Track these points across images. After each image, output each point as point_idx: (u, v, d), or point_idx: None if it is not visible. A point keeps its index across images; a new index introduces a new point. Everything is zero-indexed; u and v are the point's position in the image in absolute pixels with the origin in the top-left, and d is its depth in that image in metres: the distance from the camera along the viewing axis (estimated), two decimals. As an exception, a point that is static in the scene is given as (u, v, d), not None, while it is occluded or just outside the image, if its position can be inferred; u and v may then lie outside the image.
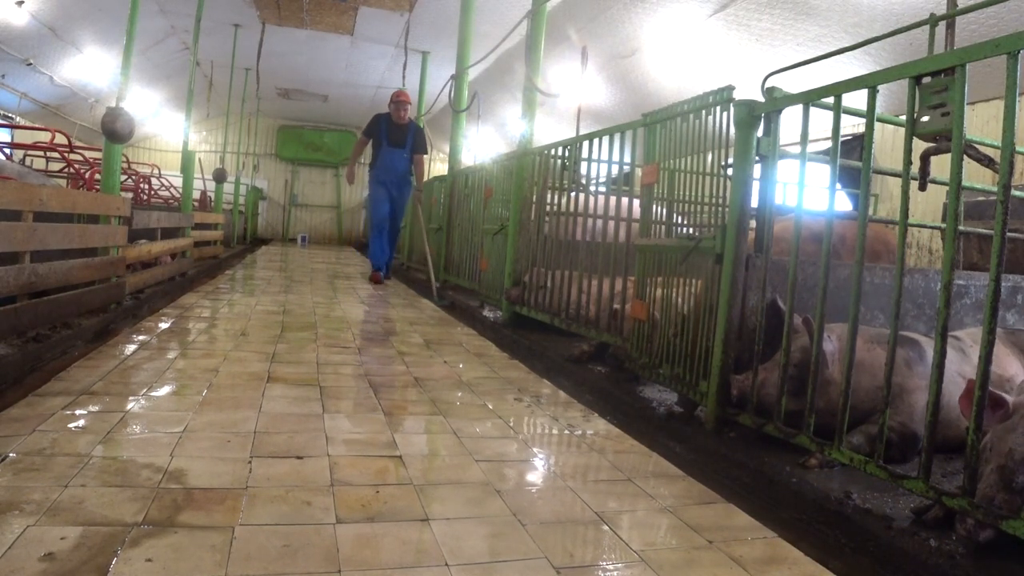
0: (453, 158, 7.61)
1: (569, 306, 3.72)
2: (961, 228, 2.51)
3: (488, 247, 5.22)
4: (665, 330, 2.66)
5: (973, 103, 4.99)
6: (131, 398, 2.32)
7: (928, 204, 5.18)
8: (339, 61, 12.43)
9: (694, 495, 1.84)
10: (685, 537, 1.56)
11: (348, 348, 3.55)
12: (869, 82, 1.84)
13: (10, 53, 8.77)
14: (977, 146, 1.97)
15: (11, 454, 1.72)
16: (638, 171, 3.17)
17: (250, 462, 1.81)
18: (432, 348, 3.73)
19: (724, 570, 1.41)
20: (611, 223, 3.58)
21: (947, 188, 1.63)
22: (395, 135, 7.38)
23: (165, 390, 2.47)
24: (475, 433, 2.24)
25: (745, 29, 6.55)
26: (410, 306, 5.69)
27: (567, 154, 4.06)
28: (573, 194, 4.03)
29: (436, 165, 18.00)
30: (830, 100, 2.01)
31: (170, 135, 16.32)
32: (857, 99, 1.91)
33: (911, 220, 2.35)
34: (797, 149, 2.12)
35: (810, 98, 2.07)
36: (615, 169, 3.53)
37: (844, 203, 5.50)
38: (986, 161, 1.92)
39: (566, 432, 2.36)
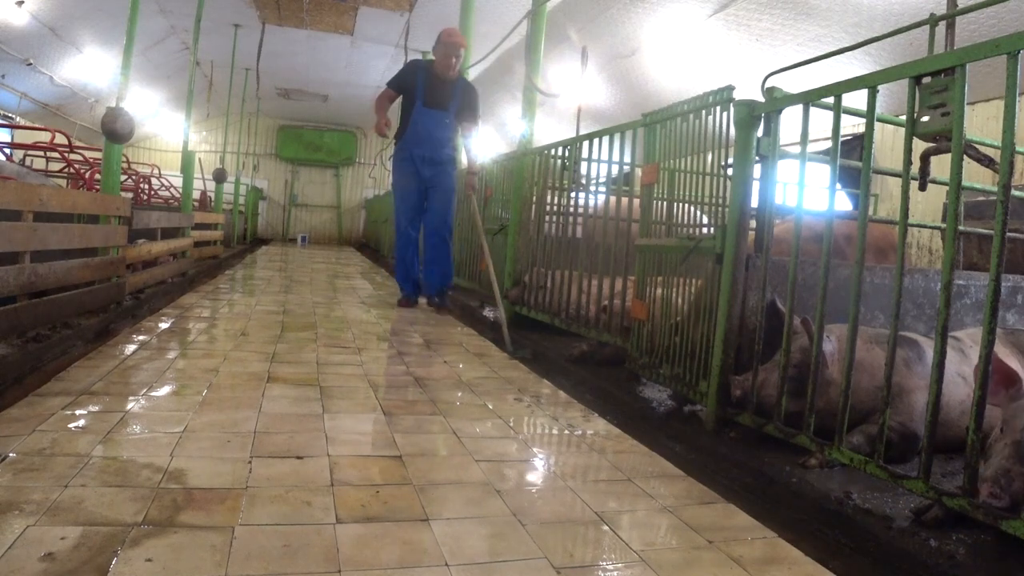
0: (453, 158, 7.60)
1: (569, 306, 3.73)
2: (961, 228, 2.51)
3: (488, 247, 5.22)
4: (664, 330, 2.66)
5: (973, 103, 4.99)
6: (131, 398, 2.32)
7: (928, 204, 5.18)
8: (339, 61, 12.43)
9: (694, 495, 1.84)
10: (685, 537, 1.56)
11: (348, 348, 3.55)
12: (869, 82, 1.84)
13: (10, 53, 8.77)
14: (977, 146, 1.97)
15: (11, 454, 1.72)
16: (638, 171, 3.17)
17: (250, 462, 1.81)
18: (432, 348, 3.73)
19: (724, 570, 1.41)
20: (608, 223, 3.58)
21: (947, 188, 1.63)
22: (436, 92, 5.00)
23: (165, 390, 2.47)
24: (475, 433, 2.24)
25: (745, 29, 6.55)
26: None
27: (567, 154, 4.06)
28: (574, 194, 4.03)
29: (436, 165, 17.98)
30: (830, 100, 2.01)
31: (170, 135, 16.32)
32: (857, 99, 1.91)
33: (911, 220, 2.35)
34: (797, 149, 2.12)
35: (810, 98, 2.07)
36: (615, 169, 3.53)
37: (844, 203, 5.50)
38: (986, 161, 1.92)
39: (566, 432, 2.36)
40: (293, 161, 18.60)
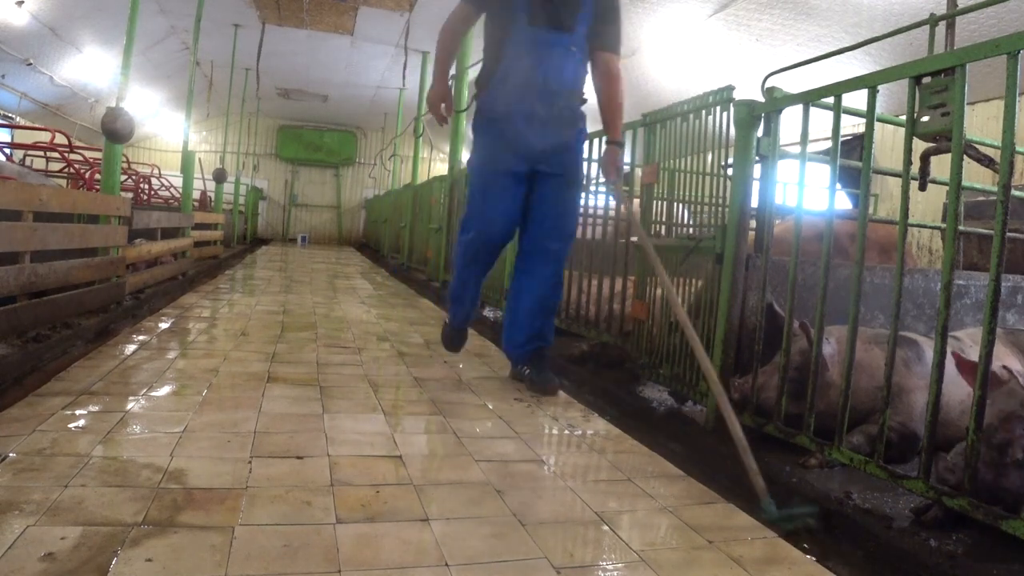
0: (453, 158, 7.61)
1: (569, 306, 3.73)
2: (961, 228, 2.51)
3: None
4: (665, 330, 2.66)
5: (973, 103, 5.00)
6: (131, 398, 2.32)
7: (928, 204, 5.18)
8: (339, 61, 12.43)
9: (694, 495, 1.84)
10: (685, 537, 1.56)
11: (348, 348, 3.55)
12: (869, 82, 1.84)
13: (10, 53, 8.78)
14: (977, 146, 1.97)
15: (11, 454, 1.72)
16: (638, 171, 3.17)
17: (250, 462, 1.81)
18: (432, 348, 3.73)
19: (724, 570, 1.41)
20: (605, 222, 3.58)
21: (947, 188, 1.63)
22: (552, 4, 2.73)
23: (165, 390, 2.47)
24: (475, 433, 2.24)
25: (745, 29, 6.56)
26: (410, 306, 5.69)
27: (567, 154, 4.04)
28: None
29: (436, 165, 18.01)
30: (830, 100, 2.01)
31: (170, 135, 16.33)
32: (857, 99, 1.91)
33: (911, 220, 2.35)
34: (797, 149, 2.12)
35: (810, 98, 2.07)
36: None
37: (844, 203, 5.50)
38: (986, 161, 1.92)
39: (566, 432, 2.35)
40: (293, 161, 18.61)
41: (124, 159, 7.32)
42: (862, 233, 1.86)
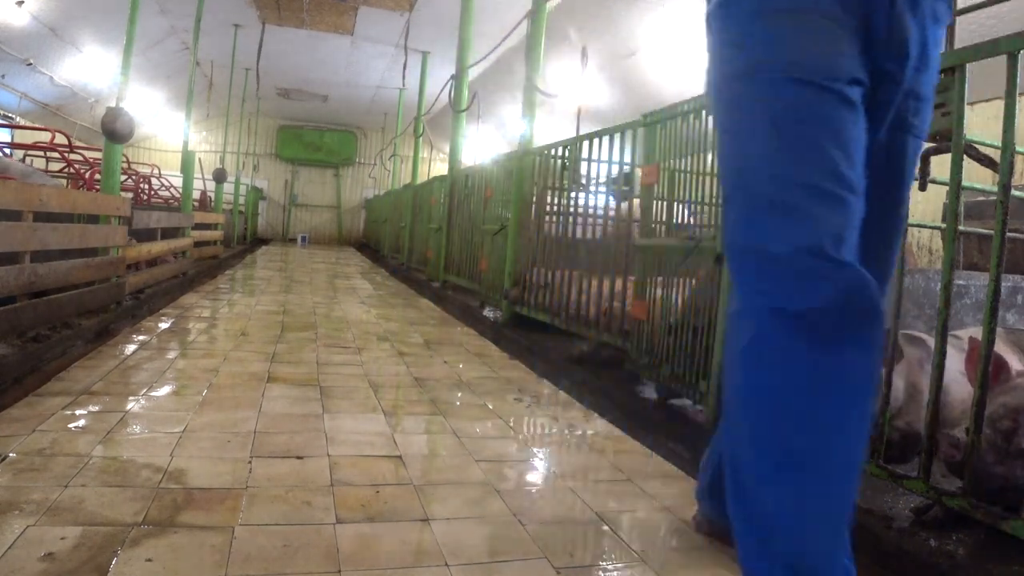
0: (453, 158, 7.61)
1: (569, 306, 3.72)
2: (961, 228, 2.51)
3: (488, 247, 5.22)
4: (664, 330, 2.65)
5: (973, 103, 4.99)
6: (131, 398, 2.32)
7: (928, 204, 5.18)
8: (339, 61, 12.44)
9: (694, 495, 1.84)
10: (685, 537, 1.56)
11: (348, 348, 3.55)
12: (869, 82, 1.83)
13: (10, 53, 8.78)
14: (977, 146, 1.97)
15: (11, 454, 1.72)
16: (638, 171, 3.16)
17: (250, 462, 1.81)
18: (432, 348, 3.73)
19: (724, 570, 1.41)
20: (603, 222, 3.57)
21: (947, 188, 1.63)
22: None
23: (165, 390, 2.47)
24: (475, 433, 2.24)
25: (745, 29, 6.55)
26: (410, 306, 5.69)
27: (567, 154, 4.05)
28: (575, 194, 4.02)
29: (436, 165, 18.01)
30: (830, 100, 2.00)
31: (170, 135, 16.33)
32: (857, 99, 1.90)
33: (911, 220, 2.35)
34: (797, 149, 2.11)
35: (810, 98, 2.06)
36: (615, 169, 3.53)
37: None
38: (986, 161, 1.92)
39: (566, 432, 2.35)
40: (293, 161, 18.62)
41: (124, 159, 7.32)
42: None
